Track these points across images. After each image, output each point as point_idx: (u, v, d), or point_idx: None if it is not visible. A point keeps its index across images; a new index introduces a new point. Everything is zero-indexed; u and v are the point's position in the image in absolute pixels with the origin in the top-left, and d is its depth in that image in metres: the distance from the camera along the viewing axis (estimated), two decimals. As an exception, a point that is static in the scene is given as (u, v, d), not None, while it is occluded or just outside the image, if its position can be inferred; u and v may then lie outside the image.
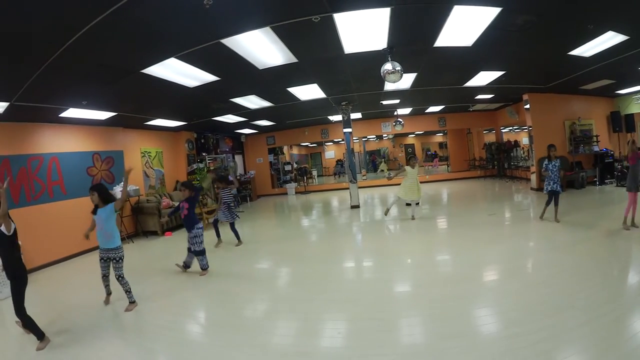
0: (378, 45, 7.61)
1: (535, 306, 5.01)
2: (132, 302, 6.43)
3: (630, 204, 8.35)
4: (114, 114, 10.95)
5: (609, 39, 8.13)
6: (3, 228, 5.25)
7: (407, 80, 11.35)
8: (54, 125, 10.85)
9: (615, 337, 4.08)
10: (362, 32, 6.87)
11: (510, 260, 7.28)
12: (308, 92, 11.93)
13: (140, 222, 13.15)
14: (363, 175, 27.25)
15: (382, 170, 31.41)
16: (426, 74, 10.78)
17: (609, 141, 16.44)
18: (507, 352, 3.99)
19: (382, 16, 6.14)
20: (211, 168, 17.78)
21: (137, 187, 13.34)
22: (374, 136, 32.61)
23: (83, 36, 5.29)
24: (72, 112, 9.82)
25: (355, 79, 10.78)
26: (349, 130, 15.66)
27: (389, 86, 11.91)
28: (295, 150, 33.99)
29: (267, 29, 6.25)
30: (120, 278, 6.34)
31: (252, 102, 12.58)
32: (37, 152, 10.36)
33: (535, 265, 7.00)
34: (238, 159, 23.51)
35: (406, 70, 8.40)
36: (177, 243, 9.49)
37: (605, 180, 15.28)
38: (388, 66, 7.46)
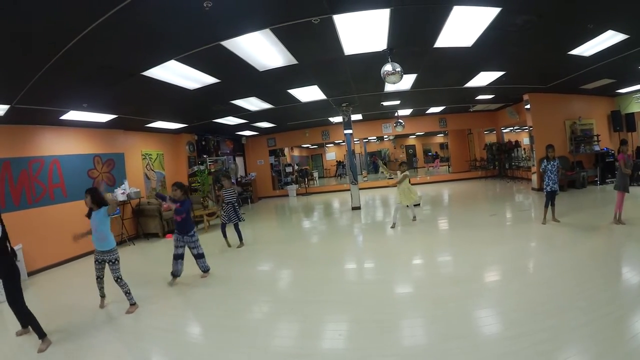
0: (378, 47, 7.62)
1: (537, 307, 5.00)
2: (133, 304, 6.43)
3: (621, 203, 8.68)
4: (114, 116, 10.95)
5: (609, 38, 8.13)
6: None
7: (407, 81, 11.36)
8: (55, 127, 10.87)
9: (616, 337, 4.07)
10: (362, 33, 6.87)
11: (511, 260, 7.26)
12: (308, 93, 11.94)
13: (141, 224, 13.15)
14: (364, 177, 27.24)
15: (382, 172, 31.42)
16: (426, 75, 10.79)
17: (610, 140, 16.42)
18: (508, 352, 3.98)
19: (381, 17, 6.15)
20: (212, 170, 17.80)
21: (138, 190, 13.35)
22: (375, 137, 32.59)
23: (83, 39, 5.30)
24: (72, 115, 9.82)
25: (355, 80, 10.78)
26: (350, 131, 15.69)
27: (389, 87, 11.91)
28: (296, 152, 33.98)
29: (267, 31, 6.26)
30: (118, 280, 6.36)
31: (253, 104, 12.58)
32: (38, 155, 10.37)
33: (536, 266, 6.99)
34: (239, 160, 23.53)
35: (406, 71, 8.39)
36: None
37: (607, 180, 15.25)
38: (388, 67, 7.46)
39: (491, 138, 24.75)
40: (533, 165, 16.00)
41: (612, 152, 15.47)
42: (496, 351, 4.06)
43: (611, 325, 4.31)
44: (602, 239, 8.01)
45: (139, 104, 10.34)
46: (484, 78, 11.83)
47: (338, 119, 18.37)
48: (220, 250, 10.21)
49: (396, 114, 20.24)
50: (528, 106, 15.63)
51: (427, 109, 20.41)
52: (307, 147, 36.69)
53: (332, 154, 37.66)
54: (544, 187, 9.41)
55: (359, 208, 15.46)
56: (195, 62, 7.40)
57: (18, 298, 5.25)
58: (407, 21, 6.49)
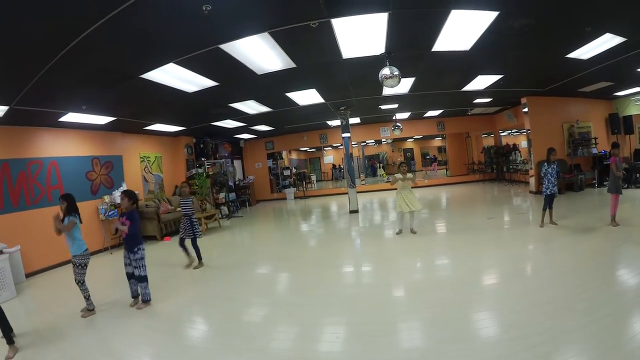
0: (376, 50, 7.66)
1: (535, 309, 5.02)
2: (90, 310, 6.45)
3: (615, 204, 8.81)
4: (113, 118, 10.98)
5: (607, 41, 8.16)
6: None
7: (405, 85, 11.39)
8: (54, 129, 10.90)
9: (615, 338, 4.08)
10: (360, 37, 6.90)
11: (509, 263, 7.27)
12: (306, 97, 11.98)
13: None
14: (362, 180, 27.25)
15: (381, 175, 31.43)
16: (424, 79, 10.83)
17: (608, 143, 16.34)
18: (507, 355, 4.00)
19: (379, 21, 6.18)
20: (210, 173, 17.81)
21: (137, 192, 13.35)
22: (373, 141, 32.67)
23: (83, 41, 5.32)
24: (71, 117, 9.86)
25: (353, 84, 10.82)
26: (348, 135, 15.72)
27: (387, 91, 11.92)
28: (294, 155, 34.06)
29: (266, 35, 6.28)
30: (80, 283, 6.39)
31: (251, 107, 12.62)
32: (37, 156, 10.41)
33: (534, 268, 7.00)
34: (237, 164, 23.50)
35: (404, 74, 8.44)
36: (176, 248, 9.44)
37: (604, 182, 15.23)
38: (386, 71, 7.49)
39: (489, 141, 24.81)
40: (531, 168, 16.02)
41: (609, 155, 15.52)
42: (494, 354, 4.07)
43: (610, 326, 4.32)
44: (599, 241, 8.01)
45: (138, 106, 10.36)
46: (482, 81, 11.86)
47: (336, 122, 18.36)
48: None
49: (394, 118, 20.30)
50: (526, 109, 15.64)
51: (425, 113, 20.41)
52: (305, 151, 36.80)
53: (330, 158, 37.71)
54: (544, 190, 9.40)
55: (356, 211, 15.47)
56: (193, 65, 7.42)
57: None
58: (405, 25, 6.52)
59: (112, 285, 7.64)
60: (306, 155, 39.37)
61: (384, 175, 30.42)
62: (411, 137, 33.61)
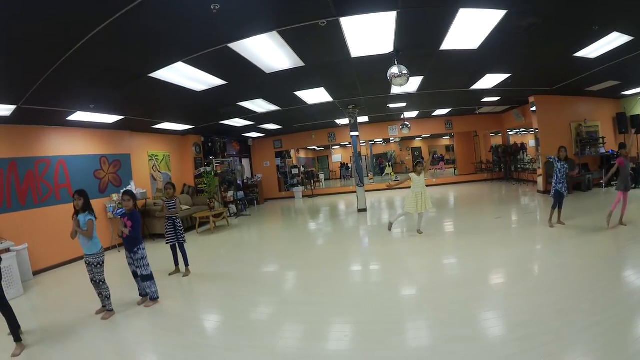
0: (384, 49, 7.65)
1: (542, 309, 5.01)
2: (110, 311, 6.34)
3: (618, 202, 8.71)
4: (121, 117, 11.03)
5: (614, 40, 8.12)
6: None
7: (413, 84, 11.37)
8: (61, 128, 10.95)
9: (621, 339, 4.08)
10: (369, 36, 6.90)
11: (516, 263, 7.26)
12: (315, 96, 11.98)
13: (147, 225, 13.15)
14: (370, 179, 27.20)
15: (388, 174, 31.35)
16: (432, 77, 10.81)
17: (615, 143, 16.28)
18: (514, 354, 3.99)
19: (388, 20, 6.17)
20: (218, 172, 17.84)
21: (145, 190, 13.44)
22: (381, 139, 32.59)
23: (91, 40, 5.34)
24: (79, 116, 9.90)
25: (361, 82, 10.81)
26: (356, 133, 15.71)
27: (395, 90, 11.91)
28: (302, 154, 34.01)
29: (274, 34, 6.29)
30: (100, 282, 6.29)
31: (259, 106, 12.63)
32: (44, 155, 10.46)
33: (541, 268, 6.99)
34: (245, 162, 23.57)
35: (412, 73, 8.43)
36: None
37: (612, 182, 15.21)
38: (394, 70, 7.49)
39: (497, 140, 24.72)
40: (539, 167, 15.99)
41: (616, 155, 15.46)
42: (502, 353, 4.07)
43: (617, 327, 4.32)
44: (608, 242, 7.99)
45: (146, 105, 10.41)
46: (490, 80, 11.83)
47: (344, 121, 18.37)
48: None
49: (402, 116, 20.25)
50: (534, 108, 15.58)
51: (433, 111, 20.39)
52: (314, 149, 36.73)
53: (338, 156, 37.69)
54: (553, 186, 9.37)
55: (365, 210, 15.50)
56: (202, 64, 7.44)
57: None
58: (414, 24, 6.52)
59: (120, 283, 7.65)
60: (314, 153, 39.33)
61: (393, 174, 30.33)
62: (419, 136, 33.53)
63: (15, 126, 9.70)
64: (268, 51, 7.18)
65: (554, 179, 9.37)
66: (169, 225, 8.45)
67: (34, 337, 5.61)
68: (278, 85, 10.04)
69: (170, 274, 8.57)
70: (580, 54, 8.99)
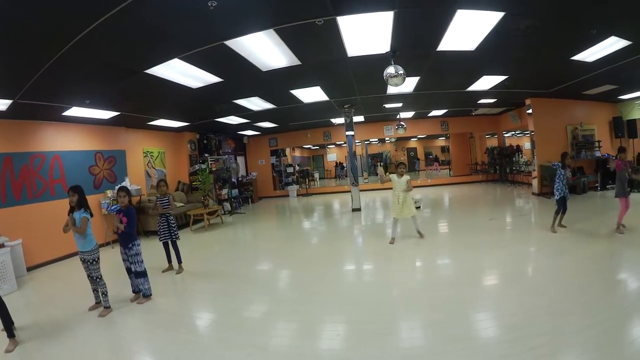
0: (381, 49, 7.63)
1: (535, 311, 5.02)
2: (107, 307, 6.30)
3: (624, 209, 8.63)
4: (117, 113, 11.00)
5: (612, 44, 8.12)
6: None
7: (409, 84, 11.39)
8: (57, 123, 10.93)
9: (615, 342, 4.08)
10: (365, 35, 6.89)
11: (510, 265, 7.27)
12: (311, 94, 11.98)
13: (141, 221, 13.10)
14: (365, 179, 27.22)
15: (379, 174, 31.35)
16: (429, 78, 10.81)
17: (611, 147, 16.38)
18: (507, 355, 4.00)
19: (385, 20, 6.16)
20: (213, 169, 17.83)
21: (139, 187, 13.41)
22: (377, 139, 32.63)
23: (87, 35, 5.32)
24: (75, 111, 9.88)
25: (358, 82, 10.80)
26: (352, 133, 15.69)
27: (391, 90, 11.92)
28: (297, 153, 34.08)
29: (271, 31, 6.27)
30: (97, 279, 6.26)
31: (255, 104, 12.62)
32: (40, 150, 10.43)
33: (535, 270, 7.02)
34: (240, 160, 23.58)
35: (409, 73, 8.41)
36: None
37: (607, 186, 15.28)
38: (391, 69, 7.47)
39: (492, 142, 24.82)
40: (534, 169, 16.05)
41: (614, 158, 15.50)
42: (495, 354, 4.08)
43: (610, 329, 4.33)
44: (603, 245, 7.99)
45: (142, 101, 10.36)
46: (487, 82, 11.83)
47: (340, 120, 18.29)
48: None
49: (398, 117, 20.30)
50: (530, 111, 15.67)
51: (429, 112, 20.39)
52: (309, 148, 36.85)
53: (333, 155, 37.75)
54: (556, 193, 9.31)
55: (359, 210, 15.48)
56: (198, 61, 7.42)
57: None
58: (411, 24, 6.50)
59: (113, 279, 7.62)
60: (309, 152, 39.41)
61: (387, 174, 30.33)
62: (415, 137, 33.61)
63: (11, 121, 9.66)
64: (264, 49, 7.16)
65: (556, 184, 9.32)
66: (162, 223, 8.43)
67: (28, 333, 5.59)
68: (274, 84, 10.02)
69: (163, 271, 8.56)
70: (578, 57, 9.00)
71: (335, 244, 10.65)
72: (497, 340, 4.43)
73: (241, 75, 8.83)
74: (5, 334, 5.22)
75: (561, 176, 9.18)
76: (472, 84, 12.12)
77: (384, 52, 7.74)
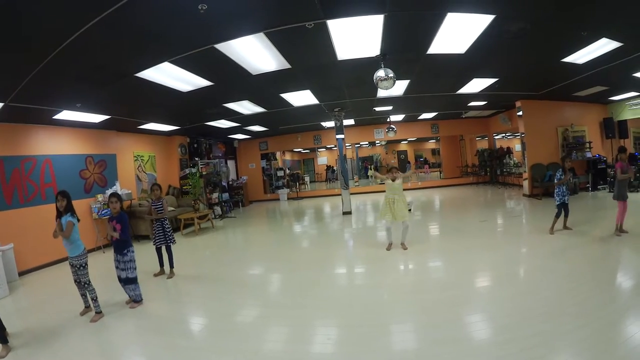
0: (371, 52, 7.64)
1: (528, 312, 5.04)
2: (99, 313, 6.26)
3: (622, 212, 8.51)
4: (107, 117, 10.93)
5: (603, 46, 8.18)
6: None
7: (400, 87, 11.41)
8: (48, 127, 10.86)
9: (608, 341, 4.10)
10: (356, 38, 6.90)
11: (502, 266, 7.29)
12: (301, 98, 11.98)
13: (132, 226, 13.01)
14: (355, 182, 27.24)
15: (370, 177, 31.41)
16: (419, 81, 10.83)
17: (602, 147, 16.53)
18: (500, 357, 4.01)
19: (375, 23, 6.17)
20: (204, 173, 17.78)
21: (130, 191, 13.34)
22: (367, 142, 32.67)
23: (78, 38, 5.30)
24: (66, 115, 9.83)
25: (348, 85, 10.81)
26: (342, 136, 15.72)
27: (381, 93, 11.95)
28: (287, 156, 34.01)
29: (261, 35, 6.27)
30: (86, 284, 6.25)
31: (246, 107, 12.60)
32: (31, 154, 10.37)
33: (528, 272, 7.03)
34: (231, 164, 23.52)
35: (399, 77, 8.44)
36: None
37: (598, 187, 15.40)
38: (381, 73, 7.47)
39: (483, 144, 24.90)
40: (525, 171, 16.12)
41: (605, 159, 15.60)
42: (488, 356, 4.09)
43: (603, 329, 4.36)
44: (594, 245, 8.04)
45: (132, 105, 10.33)
46: (477, 84, 11.89)
47: (330, 123, 18.30)
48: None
49: (388, 120, 20.36)
50: (520, 113, 15.75)
51: (420, 115, 20.40)
52: (299, 152, 36.76)
53: (324, 159, 37.67)
54: (556, 198, 9.27)
55: (350, 213, 15.49)
56: (189, 64, 7.41)
57: None
58: (401, 27, 6.51)
59: (104, 284, 7.59)
60: (300, 156, 39.35)
61: (377, 178, 30.35)
62: (405, 140, 33.63)
63: (2, 124, 9.63)
64: (254, 52, 7.16)
65: (557, 189, 9.27)
66: (158, 227, 8.42)
67: (20, 339, 5.54)
68: (264, 87, 10.01)
69: (155, 275, 8.53)
70: (569, 59, 9.05)
71: (326, 247, 10.63)
72: (491, 342, 4.44)
73: (231, 79, 8.82)
74: None
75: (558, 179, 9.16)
76: (462, 87, 12.17)
77: (374, 56, 7.75)
